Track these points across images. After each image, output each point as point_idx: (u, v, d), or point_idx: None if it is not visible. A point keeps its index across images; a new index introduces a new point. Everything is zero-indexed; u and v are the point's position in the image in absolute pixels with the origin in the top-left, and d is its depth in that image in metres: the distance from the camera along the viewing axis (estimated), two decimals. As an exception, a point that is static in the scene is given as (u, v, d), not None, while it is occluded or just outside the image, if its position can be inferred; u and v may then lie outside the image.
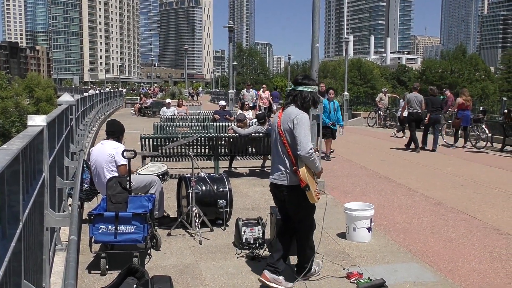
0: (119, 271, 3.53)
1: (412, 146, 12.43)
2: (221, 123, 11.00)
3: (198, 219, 5.20)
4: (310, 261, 4.05)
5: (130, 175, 4.83)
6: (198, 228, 5.13)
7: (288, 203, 3.93)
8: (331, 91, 10.96)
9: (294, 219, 4.00)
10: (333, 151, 10.76)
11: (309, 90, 3.91)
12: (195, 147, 8.65)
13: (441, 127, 15.39)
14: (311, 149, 3.69)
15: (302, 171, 3.70)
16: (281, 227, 4.13)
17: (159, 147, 8.29)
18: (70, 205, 4.72)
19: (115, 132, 5.39)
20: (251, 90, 21.20)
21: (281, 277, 3.90)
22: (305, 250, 4.04)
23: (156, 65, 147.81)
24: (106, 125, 5.62)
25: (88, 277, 4.13)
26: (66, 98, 6.10)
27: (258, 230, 4.87)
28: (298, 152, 3.70)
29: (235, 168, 9.27)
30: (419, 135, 12.67)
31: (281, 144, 3.83)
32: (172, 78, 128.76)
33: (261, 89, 21.59)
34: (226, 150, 8.83)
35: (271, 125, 4.12)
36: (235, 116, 11.88)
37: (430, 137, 12.70)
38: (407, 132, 13.52)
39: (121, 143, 5.36)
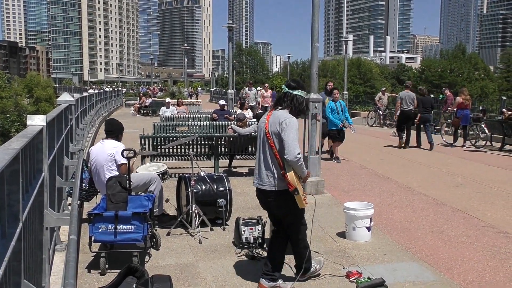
0: (119, 270, 3.54)
1: (414, 144, 12.68)
2: (220, 123, 10.99)
3: (197, 218, 5.20)
4: (308, 260, 4.04)
5: (130, 174, 4.83)
6: (198, 227, 5.13)
7: (276, 208, 3.88)
8: (335, 91, 10.83)
9: (284, 223, 3.98)
10: (338, 158, 10.53)
11: (303, 95, 3.91)
12: (194, 146, 8.65)
13: (440, 126, 15.44)
14: (298, 153, 3.65)
15: (290, 175, 3.65)
16: (274, 232, 4.10)
17: (159, 147, 8.29)
18: (69, 204, 4.72)
19: (114, 131, 5.39)
20: (253, 88, 21.19)
21: (278, 282, 3.90)
22: (300, 251, 4.01)
23: (156, 65, 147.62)
24: (105, 124, 5.63)
25: (88, 276, 4.13)
26: (65, 97, 6.11)
27: (258, 230, 4.86)
28: (285, 156, 3.65)
29: (235, 167, 9.27)
30: (412, 135, 12.83)
31: (269, 147, 3.77)
32: (172, 78, 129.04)
33: (263, 88, 21.50)
34: (226, 150, 8.83)
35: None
36: (235, 115, 11.88)
37: (424, 138, 12.75)
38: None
39: (120, 142, 5.37)
